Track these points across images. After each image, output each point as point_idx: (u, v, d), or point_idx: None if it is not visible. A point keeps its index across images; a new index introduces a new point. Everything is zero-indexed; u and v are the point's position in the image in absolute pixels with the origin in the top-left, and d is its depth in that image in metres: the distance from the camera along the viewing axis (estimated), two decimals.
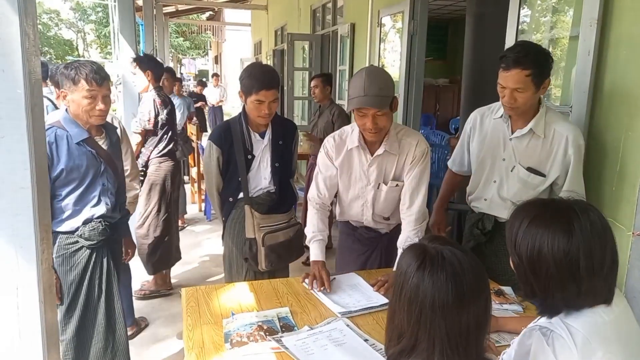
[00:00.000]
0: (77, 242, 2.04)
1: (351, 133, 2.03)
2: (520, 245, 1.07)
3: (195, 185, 6.08)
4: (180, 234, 5.07)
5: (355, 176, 2.07)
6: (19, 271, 1.07)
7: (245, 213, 2.25)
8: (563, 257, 1.01)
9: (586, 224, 1.01)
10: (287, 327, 1.61)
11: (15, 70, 1.00)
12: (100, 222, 2.08)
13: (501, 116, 2.04)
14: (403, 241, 2.00)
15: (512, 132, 2.01)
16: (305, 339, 1.52)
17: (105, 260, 2.11)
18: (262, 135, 2.26)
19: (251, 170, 2.25)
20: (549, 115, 1.96)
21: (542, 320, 1.08)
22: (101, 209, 2.09)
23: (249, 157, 2.23)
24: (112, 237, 2.16)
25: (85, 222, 2.05)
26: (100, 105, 2.00)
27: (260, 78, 2.11)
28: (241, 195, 2.26)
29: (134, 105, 4.10)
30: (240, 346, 1.48)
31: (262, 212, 2.25)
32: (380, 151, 1.99)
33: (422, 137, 2.09)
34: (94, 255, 2.07)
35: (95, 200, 2.07)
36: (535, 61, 1.82)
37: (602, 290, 1.03)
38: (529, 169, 1.98)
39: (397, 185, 2.05)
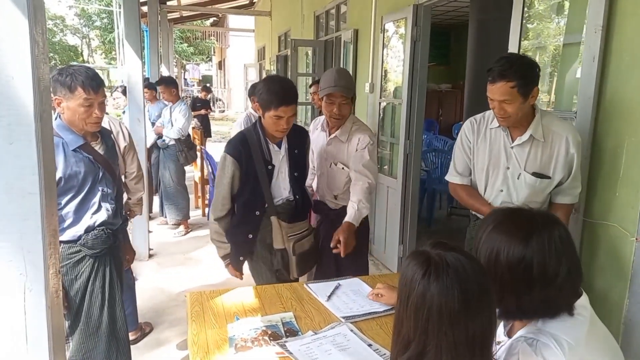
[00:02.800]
0: (79, 251, 2.01)
1: (320, 120, 2.59)
2: (480, 251, 1.10)
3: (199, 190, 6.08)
4: (184, 238, 5.11)
5: (320, 152, 2.53)
6: (26, 276, 1.08)
7: (273, 224, 2.21)
8: (517, 263, 1.04)
9: (544, 236, 1.04)
10: (292, 332, 1.61)
11: (25, 77, 1.01)
12: (103, 230, 2.05)
13: (498, 126, 2.04)
14: (350, 207, 2.27)
15: (513, 141, 2.01)
16: (310, 344, 1.52)
17: (108, 268, 2.09)
18: (279, 145, 2.23)
19: (272, 181, 2.21)
20: (544, 119, 1.97)
21: (523, 331, 1.09)
22: (102, 215, 2.06)
23: (270, 167, 2.19)
24: (114, 244, 2.15)
25: (88, 230, 2.02)
26: (97, 113, 1.97)
27: (280, 93, 2.07)
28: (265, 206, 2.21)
29: (139, 111, 4.13)
30: (244, 351, 1.48)
31: (286, 222, 2.22)
32: (333, 135, 2.44)
33: (371, 134, 2.48)
34: (97, 263, 2.05)
35: (95, 207, 2.04)
36: (520, 72, 1.83)
37: (558, 300, 1.05)
38: (535, 174, 1.99)
39: (343, 168, 2.43)
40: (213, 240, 2.33)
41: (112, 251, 2.13)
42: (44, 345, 1.11)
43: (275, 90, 2.07)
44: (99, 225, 2.05)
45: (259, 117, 2.19)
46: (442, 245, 0.98)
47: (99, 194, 2.05)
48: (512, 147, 2.02)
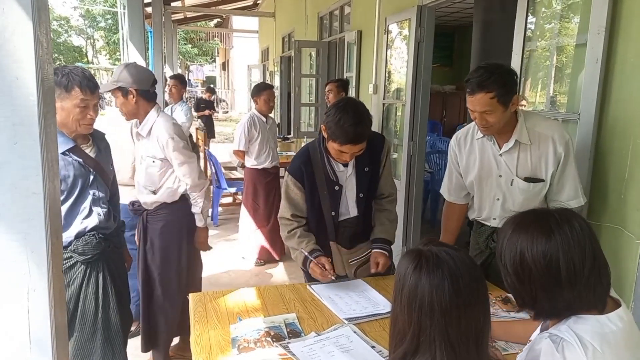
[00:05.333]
0: (71, 257, 1.96)
1: None
2: (504, 255, 1.10)
3: None
4: None
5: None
6: (30, 276, 1.08)
7: (332, 250, 2.12)
8: (542, 259, 1.04)
9: (565, 228, 1.04)
10: (294, 333, 1.61)
11: (29, 77, 1.01)
12: (93, 235, 1.99)
13: (483, 135, 2.02)
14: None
15: (500, 148, 1.99)
16: (312, 345, 1.52)
17: (100, 274, 2.03)
18: (345, 164, 2.06)
19: (340, 201, 2.08)
20: (528, 121, 1.95)
21: (552, 328, 1.09)
22: (93, 220, 2.00)
23: (336, 187, 2.06)
24: (108, 248, 2.08)
25: (78, 236, 1.97)
26: (91, 114, 1.93)
27: (350, 133, 1.86)
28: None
29: None
30: (247, 352, 1.48)
31: (347, 247, 2.13)
32: (136, 132, 2.46)
33: (170, 127, 2.40)
34: (89, 269, 2.00)
35: (86, 212, 1.99)
36: (498, 82, 1.80)
37: (588, 297, 1.04)
38: (527, 179, 1.97)
39: (154, 161, 2.43)
40: (292, 249, 2.11)
41: (104, 256, 2.06)
42: (47, 344, 1.11)
43: (345, 127, 1.86)
44: (90, 231, 1.99)
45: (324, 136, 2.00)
46: (433, 243, 1.01)
47: (89, 198, 1.99)
48: (500, 155, 2.00)
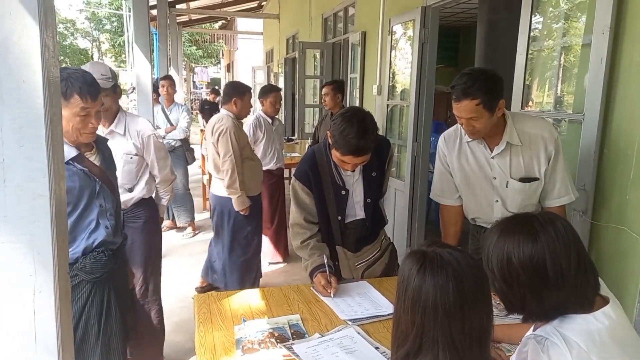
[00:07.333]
0: (76, 275, 1.79)
1: None
2: (491, 260, 1.11)
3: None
4: (192, 240, 5.13)
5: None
6: (35, 277, 1.08)
7: (339, 255, 2.13)
8: (529, 261, 1.05)
9: (549, 230, 1.05)
10: (298, 334, 1.61)
11: (35, 80, 1.02)
12: (102, 251, 1.83)
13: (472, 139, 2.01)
14: None
15: (492, 151, 1.98)
16: (316, 346, 1.52)
17: (105, 294, 1.87)
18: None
19: (347, 205, 2.09)
20: (517, 123, 1.95)
21: (539, 329, 1.10)
22: (101, 234, 1.84)
23: (343, 192, 2.06)
24: (115, 266, 1.91)
25: (86, 252, 1.81)
26: (93, 122, 1.77)
27: (352, 144, 1.86)
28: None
29: (148, 113, 4.15)
30: (251, 353, 1.49)
31: (353, 250, 2.13)
32: (108, 130, 2.42)
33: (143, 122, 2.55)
34: (94, 289, 1.84)
35: (93, 225, 1.83)
36: (483, 89, 1.80)
37: (576, 297, 1.05)
38: (522, 180, 1.96)
39: (131, 157, 2.47)
40: (303, 259, 2.10)
41: (112, 275, 1.90)
42: (53, 345, 1.12)
43: (348, 139, 1.85)
44: (97, 246, 1.84)
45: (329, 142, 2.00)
46: (436, 244, 1.01)
47: (97, 210, 1.84)
48: (492, 158, 1.99)
